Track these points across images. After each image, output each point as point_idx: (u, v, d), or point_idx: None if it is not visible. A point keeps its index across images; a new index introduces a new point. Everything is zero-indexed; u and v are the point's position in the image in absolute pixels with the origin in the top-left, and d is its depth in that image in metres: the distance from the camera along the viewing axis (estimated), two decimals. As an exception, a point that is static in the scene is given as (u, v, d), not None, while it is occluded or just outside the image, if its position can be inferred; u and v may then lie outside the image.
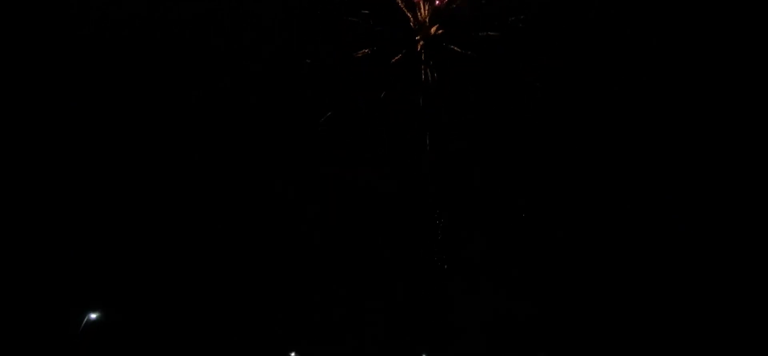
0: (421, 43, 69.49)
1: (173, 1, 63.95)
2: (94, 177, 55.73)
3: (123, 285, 51.81)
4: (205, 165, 63.59)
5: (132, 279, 53.19)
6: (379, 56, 73.16)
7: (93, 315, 34.20)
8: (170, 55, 64.18)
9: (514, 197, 66.83)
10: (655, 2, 62.29)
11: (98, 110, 58.47)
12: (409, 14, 68.60)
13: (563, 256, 61.80)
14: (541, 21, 67.25)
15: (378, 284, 66.10)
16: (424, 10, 69.40)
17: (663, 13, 61.32)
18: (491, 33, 69.01)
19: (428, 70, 72.62)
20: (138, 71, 61.98)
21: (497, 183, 68.20)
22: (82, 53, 57.65)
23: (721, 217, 53.43)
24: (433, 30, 68.68)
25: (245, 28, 68.80)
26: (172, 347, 52.23)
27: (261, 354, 57.28)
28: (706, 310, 50.25)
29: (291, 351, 57.23)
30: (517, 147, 68.64)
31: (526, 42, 68.44)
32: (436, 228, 69.92)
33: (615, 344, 53.37)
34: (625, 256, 58.10)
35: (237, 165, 65.67)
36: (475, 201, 69.67)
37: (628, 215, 59.67)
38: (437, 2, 68.17)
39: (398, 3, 68.50)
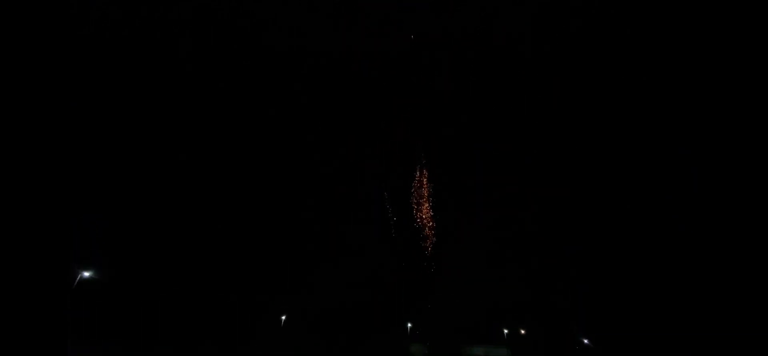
0: None
1: (173, 1, 64.06)
2: (93, 175, 55.80)
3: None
4: (204, 162, 63.82)
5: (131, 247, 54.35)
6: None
7: (86, 273, 35.53)
8: (170, 55, 64.28)
9: (513, 196, 66.88)
10: (655, 2, 62.33)
11: (98, 109, 58.46)
12: None
13: (562, 255, 61.89)
14: (541, 22, 67.43)
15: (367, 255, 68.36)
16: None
17: (663, 14, 61.36)
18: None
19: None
20: (138, 71, 62.03)
21: (495, 182, 68.30)
22: (82, 53, 57.68)
23: (721, 217, 53.40)
24: None
25: (245, 28, 68.96)
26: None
27: (254, 315, 58.68)
28: (705, 309, 50.23)
29: (283, 315, 58.32)
30: (515, 147, 68.72)
31: (526, 42, 68.70)
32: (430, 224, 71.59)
33: (613, 343, 53.34)
34: (625, 256, 58.09)
35: (234, 161, 65.95)
36: (473, 199, 69.98)
37: (628, 215, 59.68)
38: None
39: None
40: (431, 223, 71.07)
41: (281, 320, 57.14)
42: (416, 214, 71.83)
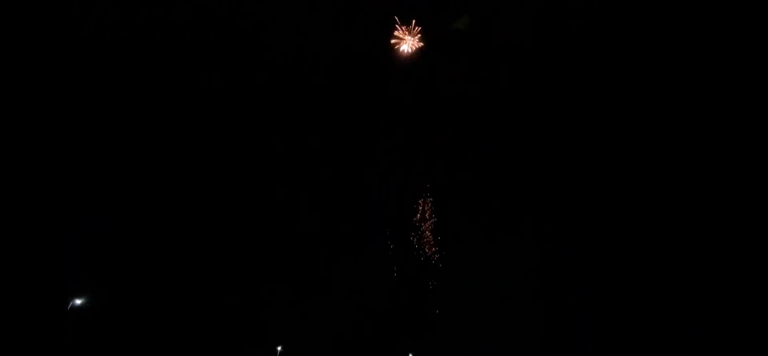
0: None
1: (173, 1, 64.05)
2: (93, 174, 55.84)
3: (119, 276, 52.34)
4: (204, 163, 63.83)
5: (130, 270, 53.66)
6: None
7: (78, 301, 34.74)
8: (170, 55, 64.31)
9: (513, 196, 66.87)
10: (655, 2, 62.36)
11: (98, 110, 58.52)
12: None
13: (562, 255, 61.87)
14: (541, 22, 67.44)
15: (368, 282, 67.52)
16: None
17: (663, 13, 61.38)
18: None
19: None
20: (138, 71, 62.08)
21: (496, 182, 68.28)
22: (82, 53, 57.73)
23: (721, 217, 53.44)
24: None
25: (245, 28, 68.96)
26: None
27: (248, 347, 57.46)
28: (705, 309, 50.25)
29: (278, 345, 56.80)
30: (516, 147, 68.75)
31: (527, 43, 68.66)
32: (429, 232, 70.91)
33: (613, 343, 53.35)
34: (625, 256, 58.12)
35: (234, 163, 65.93)
36: (473, 199, 69.89)
37: (628, 215, 59.70)
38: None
39: None
40: (435, 255, 70.24)
41: (277, 351, 56.19)
42: (418, 246, 70.83)
